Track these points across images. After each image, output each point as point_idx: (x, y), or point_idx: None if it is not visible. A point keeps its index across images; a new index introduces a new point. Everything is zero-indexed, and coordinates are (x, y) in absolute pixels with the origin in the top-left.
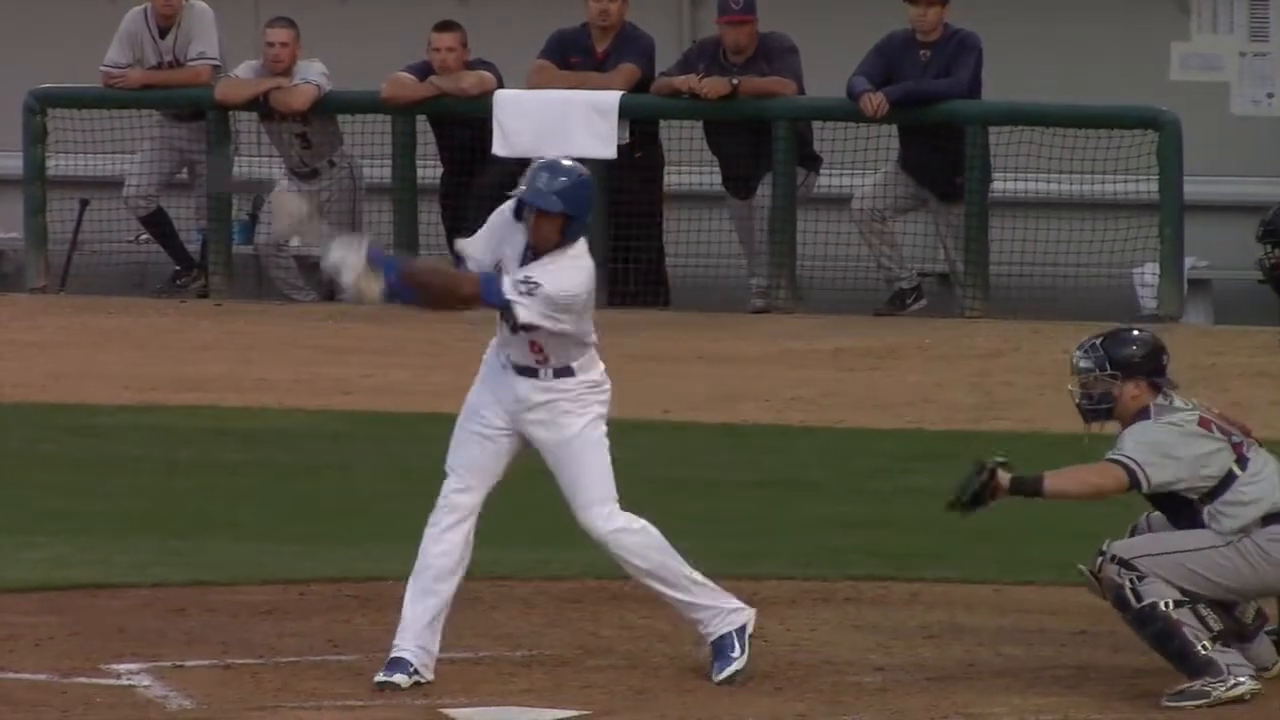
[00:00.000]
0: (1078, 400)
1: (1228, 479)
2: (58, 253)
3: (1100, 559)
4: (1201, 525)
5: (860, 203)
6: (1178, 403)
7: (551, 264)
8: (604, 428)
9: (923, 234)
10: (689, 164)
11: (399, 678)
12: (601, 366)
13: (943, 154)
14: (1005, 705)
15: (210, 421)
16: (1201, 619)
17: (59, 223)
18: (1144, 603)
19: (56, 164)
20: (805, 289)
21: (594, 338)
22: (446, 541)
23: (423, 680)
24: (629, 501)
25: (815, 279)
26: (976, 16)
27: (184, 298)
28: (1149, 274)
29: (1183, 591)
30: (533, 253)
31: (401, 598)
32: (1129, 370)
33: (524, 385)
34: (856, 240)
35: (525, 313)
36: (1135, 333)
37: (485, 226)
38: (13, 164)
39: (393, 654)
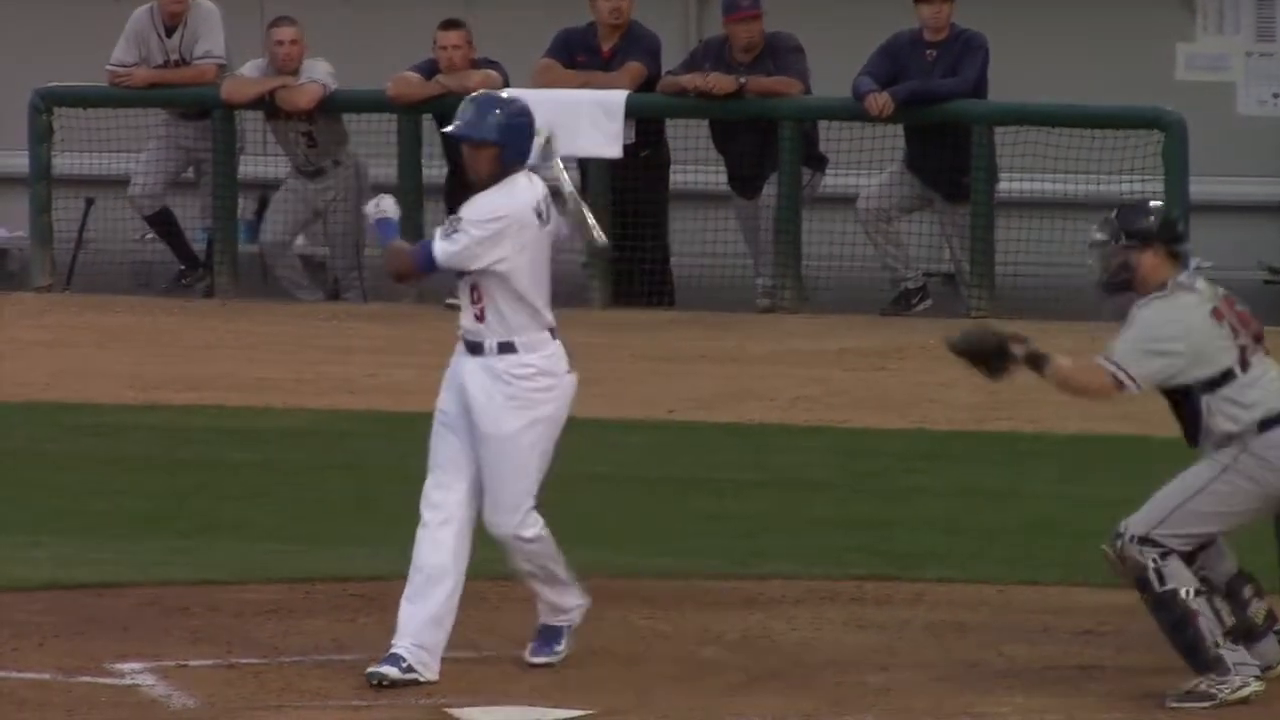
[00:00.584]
0: (1097, 275)
1: (1226, 374)
2: (63, 251)
3: (1120, 541)
4: (1199, 413)
5: (865, 202)
6: (1200, 284)
7: (478, 196)
8: (542, 428)
9: (928, 234)
10: (694, 163)
11: (388, 669)
12: (559, 355)
13: (949, 154)
14: (1009, 705)
15: (215, 420)
16: (1216, 612)
17: (64, 221)
18: (1166, 587)
19: (62, 163)
20: (811, 289)
21: (548, 317)
22: (435, 541)
23: (421, 679)
24: (632, 500)
25: (821, 279)
26: (981, 16)
27: (189, 297)
28: None
29: (1207, 535)
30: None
31: None
32: (1145, 238)
33: (469, 364)
34: (862, 240)
35: (442, 250)
36: (1151, 203)
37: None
38: (18, 163)
39: (389, 651)
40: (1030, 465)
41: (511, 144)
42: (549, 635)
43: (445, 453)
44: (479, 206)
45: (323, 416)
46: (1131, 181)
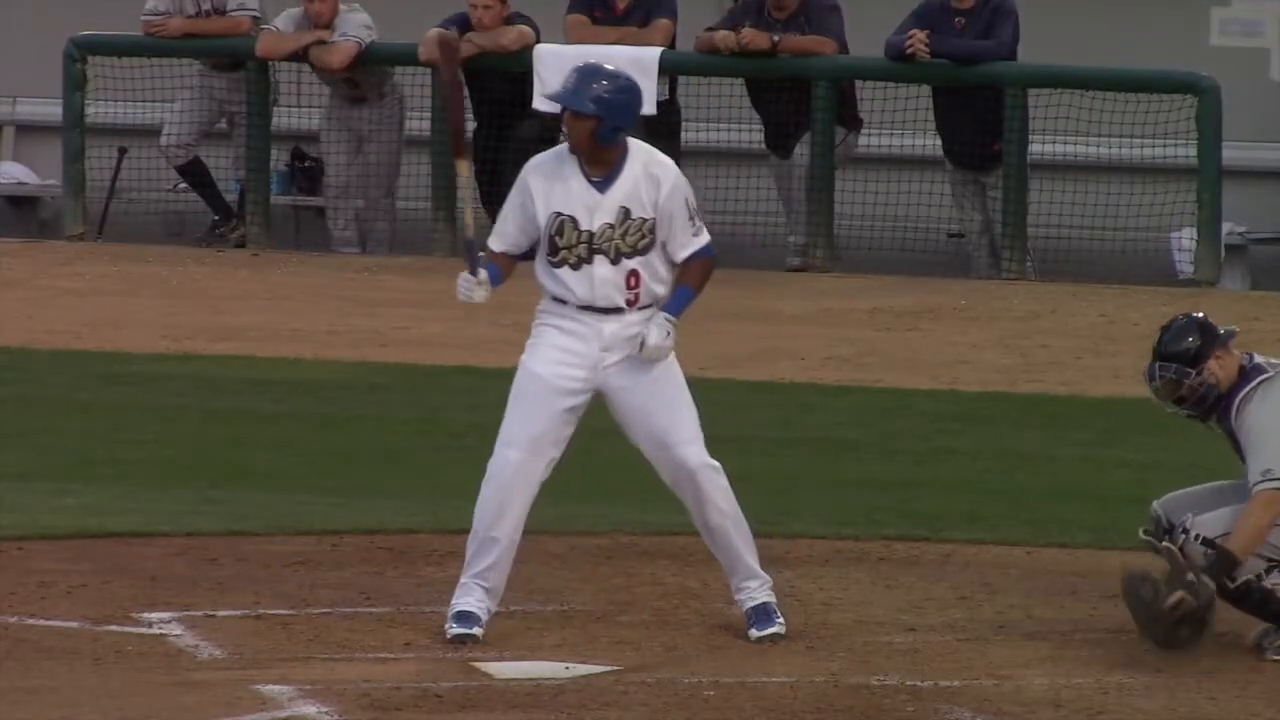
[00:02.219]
0: (1189, 413)
1: None
2: (96, 200)
3: (1184, 537)
4: None
5: None
6: (1258, 359)
7: (675, 175)
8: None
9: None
10: (726, 122)
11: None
12: None
13: (967, 118)
14: (1037, 668)
15: (246, 371)
16: None
17: (97, 170)
18: (1238, 582)
19: (96, 111)
20: (843, 248)
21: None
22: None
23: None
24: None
25: (853, 238)
26: None
27: (220, 247)
28: (1186, 239)
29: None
30: (584, 162)
31: (434, 551)
32: (1199, 357)
33: (610, 322)
34: (895, 200)
35: (708, 239)
36: (1175, 324)
37: (506, 208)
38: (52, 110)
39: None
40: (1061, 428)
41: (609, 117)
42: (763, 611)
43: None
44: (686, 185)
45: (353, 369)
46: (1164, 146)
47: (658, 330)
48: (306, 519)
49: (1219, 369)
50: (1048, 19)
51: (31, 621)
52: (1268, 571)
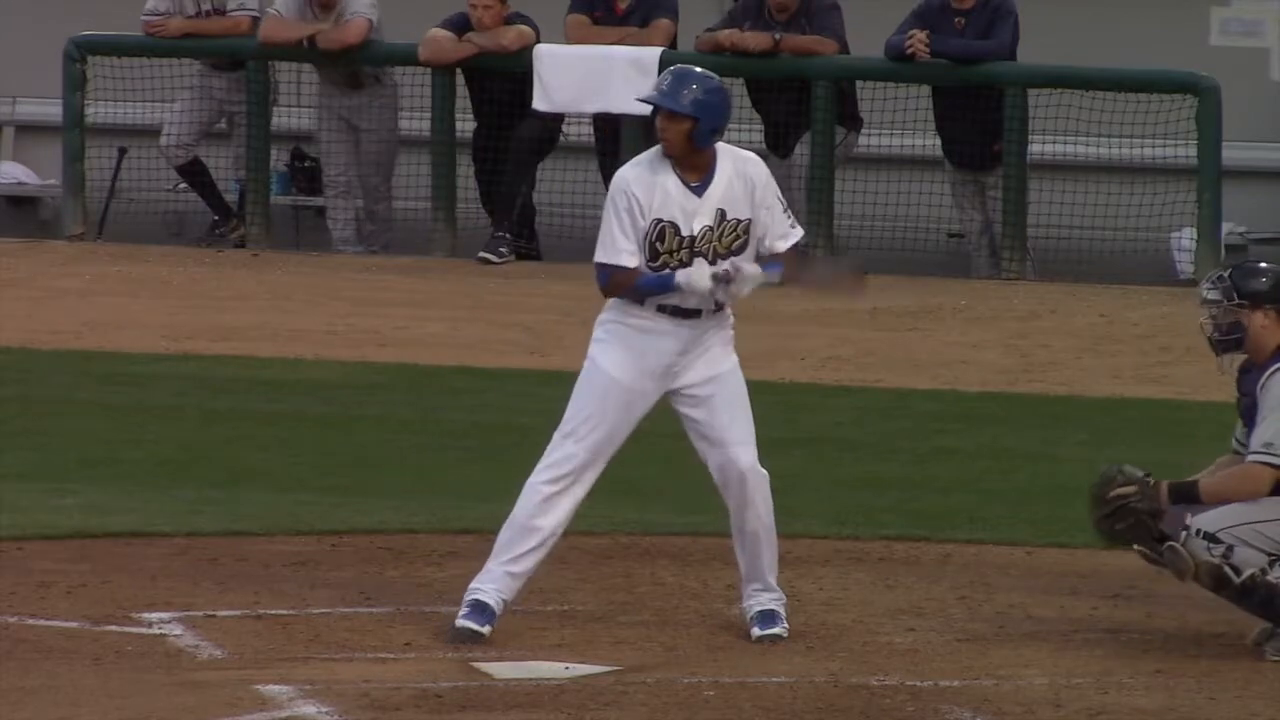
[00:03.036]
0: (1209, 333)
1: None
2: (96, 200)
3: (1184, 535)
4: None
5: None
6: None
7: (764, 171)
8: None
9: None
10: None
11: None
12: None
13: (968, 119)
14: (1037, 667)
15: (246, 371)
16: None
17: (97, 170)
18: (1243, 577)
19: (96, 111)
20: (843, 248)
21: None
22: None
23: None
24: (662, 457)
25: (853, 238)
26: None
27: (220, 247)
28: (1186, 239)
29: (1268, 554)
30: (679, 166)
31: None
32: (1256, 299)
33: (689, 326)
34: (894, 200)
35: (797, 224)
36: (1262, 264)
37: (614, 225)
38: (52, 110)
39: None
40: (1061, 428)
41: (705, 118)
42: (769, 614)
43: (618, 431)
44: (773, 181)
45: (353, 368)
46: (1164, 146)
47: (750, 268)
48: (306, 519)
49: (1260, 326)
50: (1048, 19)
51: (31, 621)
52: (1272, 565)
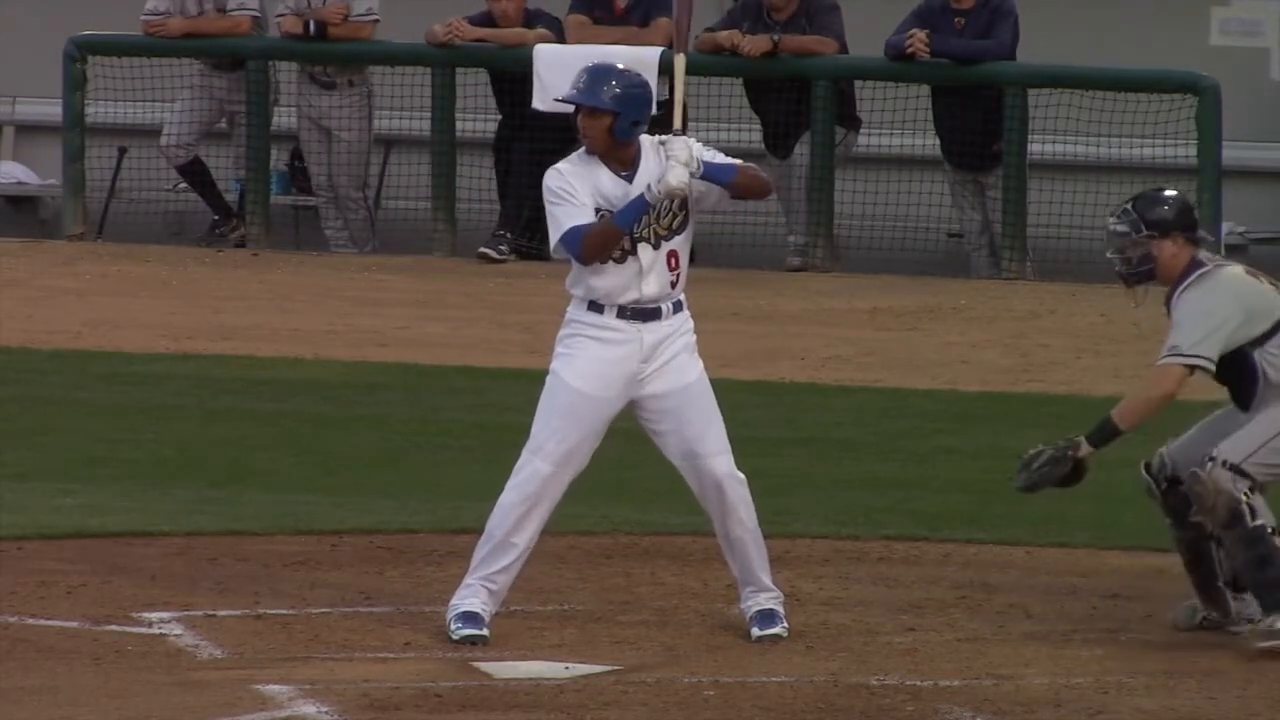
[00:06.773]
0: (1118, 267)
1: (1276, 327)
2: (95, 200)
3: (1211, 465)
4: (1255, 369)
5: None
6: (1204, 256)
7: (680, 138)
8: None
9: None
10: (726, 122)
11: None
12: None
13: (968, 119)
14: (1036, 667)
15: (246, 371)
16: None
17: (97, 170)
18: (1257, 523)
19: (96, 111)
20: (843, 248)
21: None
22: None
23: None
24: (662, 457)
25: (853, 238)
26: None
27: (220, 247)
28: None
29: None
30: (605, 160)
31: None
32: (1164, 228)
33: (650, 331)
34: (894, 200)
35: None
36: (1164, 192)
37: (560, 207)
38: (52, 110)
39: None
40: (1061, 427)
41: (625, 112)
42: (768, 614)
43: (583, 440)
44: (696, 144)
45: (353, 368)
46: (1164, 146)
47: (681, 147)
48: (306, 519)
49: (1167, 254)
50: (1048, 19)
51: (31, 621)
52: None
